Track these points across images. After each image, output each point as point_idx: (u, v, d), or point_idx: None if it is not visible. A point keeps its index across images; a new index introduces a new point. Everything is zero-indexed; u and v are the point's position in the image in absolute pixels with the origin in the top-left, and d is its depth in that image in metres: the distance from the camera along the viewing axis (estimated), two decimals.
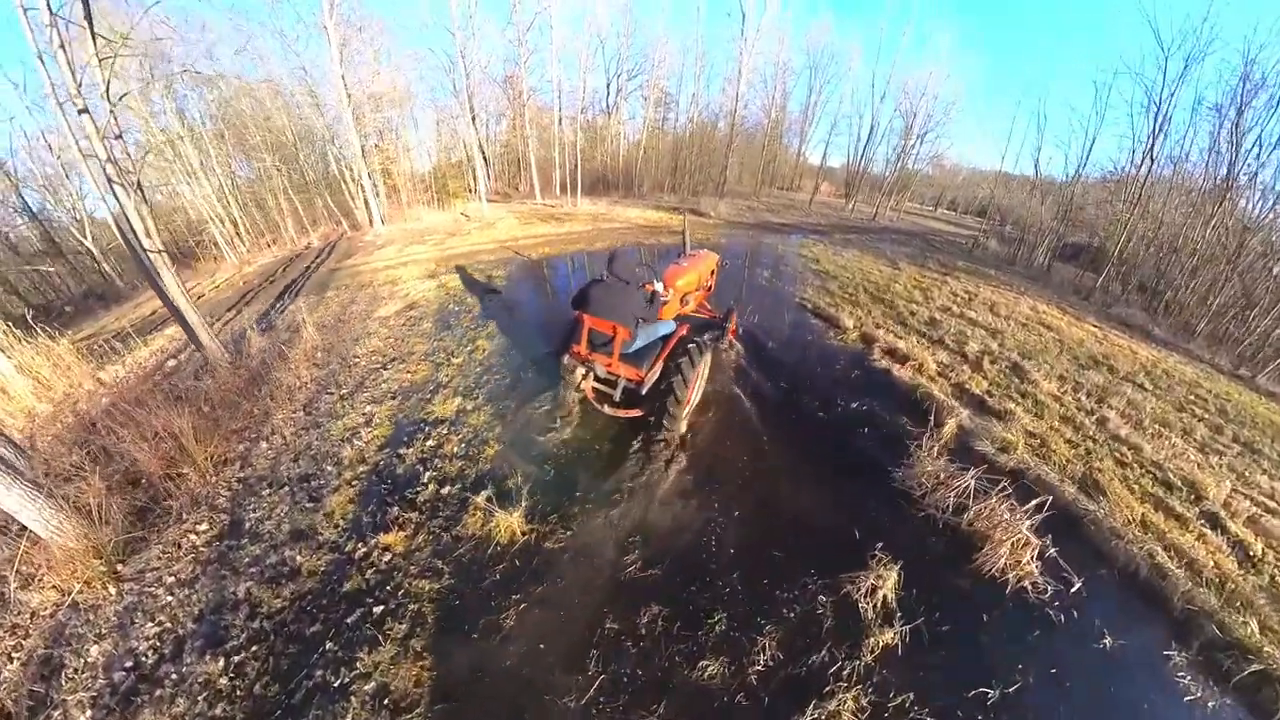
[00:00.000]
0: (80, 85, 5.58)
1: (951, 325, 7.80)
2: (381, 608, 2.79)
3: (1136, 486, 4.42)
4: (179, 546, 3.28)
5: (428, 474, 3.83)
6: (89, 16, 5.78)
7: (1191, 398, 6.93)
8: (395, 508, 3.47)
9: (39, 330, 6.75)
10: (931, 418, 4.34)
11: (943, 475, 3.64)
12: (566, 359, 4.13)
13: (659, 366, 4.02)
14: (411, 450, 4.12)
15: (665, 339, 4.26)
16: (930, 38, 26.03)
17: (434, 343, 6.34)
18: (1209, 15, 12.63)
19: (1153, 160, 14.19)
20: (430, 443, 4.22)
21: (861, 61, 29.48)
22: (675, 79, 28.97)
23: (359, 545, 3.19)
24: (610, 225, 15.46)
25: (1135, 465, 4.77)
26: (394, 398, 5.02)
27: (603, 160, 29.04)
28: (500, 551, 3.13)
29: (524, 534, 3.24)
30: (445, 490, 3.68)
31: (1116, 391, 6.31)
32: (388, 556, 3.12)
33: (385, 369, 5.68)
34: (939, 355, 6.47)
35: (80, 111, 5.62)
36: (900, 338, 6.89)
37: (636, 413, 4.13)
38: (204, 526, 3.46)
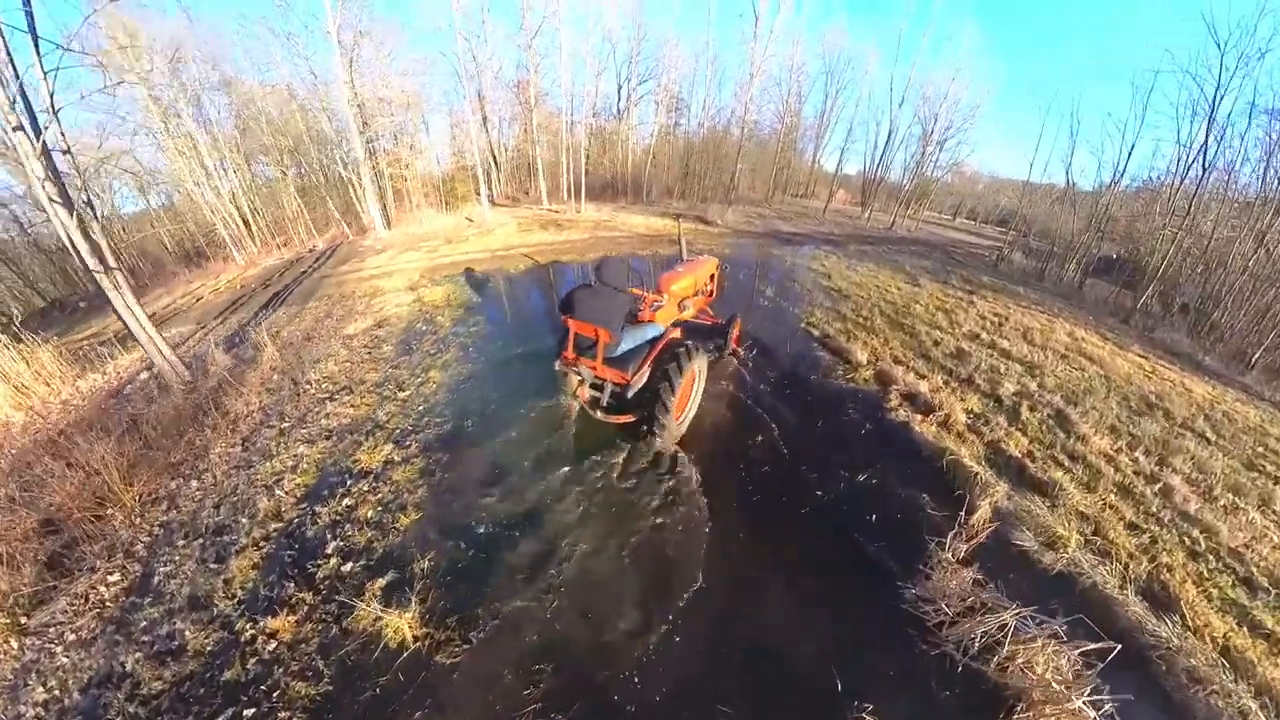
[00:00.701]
0: (15, 101, 5.11)
1: (982, 358, 6.87)
2: (253, 710, 2.44)
3: (1215, 591, 3.52)
4: (86, 600, 3.11)
5: (334, 543, 3.41)
6: (33, 25, 5.32)
7: (1260, 450, 5.92)
8: (292, 584, 3.11)
9: (24, 335, 6.62)
10: (963, 512, 3.43)
11: (970, 600, 2.80)
12: (558, 364, 4.11)
13: (646, 369, 3.93)
14: (326, 509, 3.70)
15: (653, 342, 4.14)
16: (951, 40, 24.26)
17: (388, 370, 5.86)
18: (1265, 7, 11.37)
19: (1204, 168, 12.95)
20: (347, 501, 3.78)
21: (879, 65, 28.30)
22: (687, 83, 28.20)
23: (248, 626, 2.86)
24: (608, 234, 14.74)
25: (1210, 556, 3.86)
26: (329, 437, 4.61)
27: (613, 165, 28.40)
28: (387, 658, 2.65)
29: (416, 639, 2.73)
30: (347, 567, 3.23)
31: (1178, 448, 5.33)
32: (273, 645, 2.77)
33: (332, 399, 5.27)
34: (969, 400, 5.57)
35: (15, 129, 5.13)
36: (923, 376, 6.01)
37: (628, 418, 4.02)
38: (115, 578, 3.28)
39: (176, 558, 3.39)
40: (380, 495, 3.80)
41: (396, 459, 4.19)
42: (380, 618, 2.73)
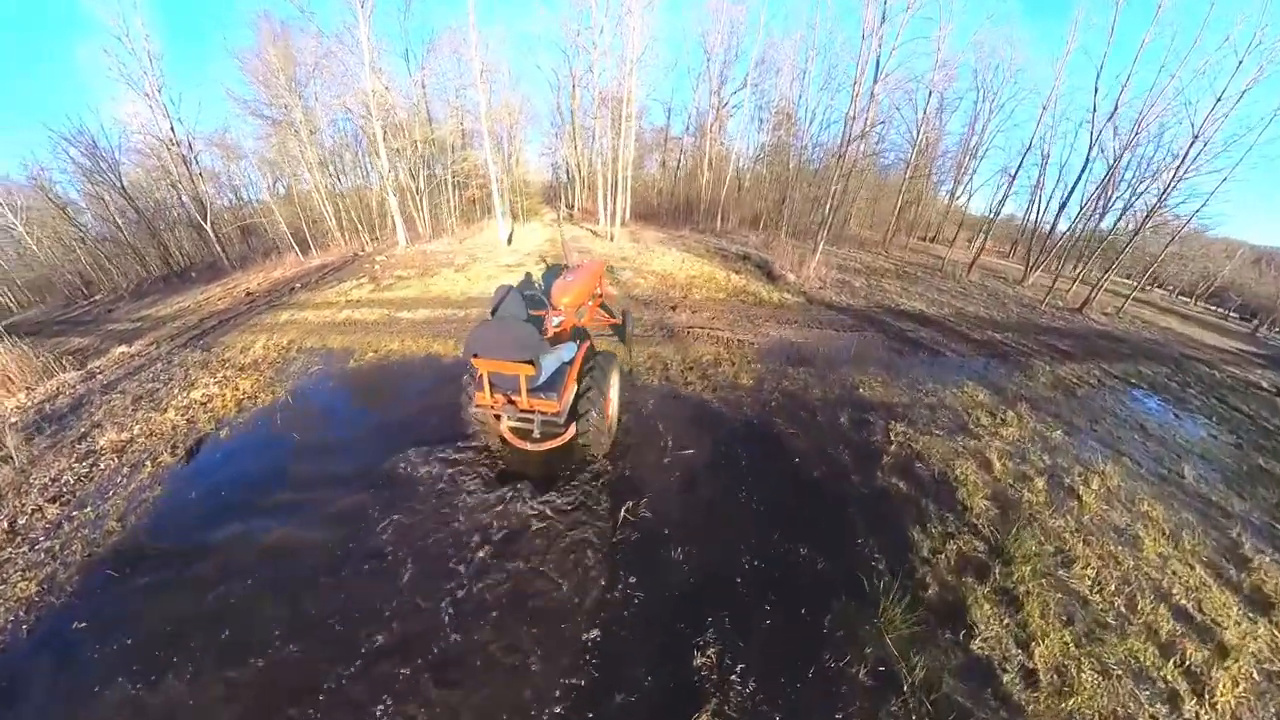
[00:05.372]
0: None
1: None
2: None
3: None
4: None
5: None
6: None
7: None
8: None
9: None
10: None
11: None
12: (475, 410, 3.62)
13: (572, 389, 3.63)
14: None
15: (570, 363, 3.75)
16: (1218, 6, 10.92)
17: None
18: None
19: None
20: None
21: (1077, 54, 17.77)
22: (792, 89, 20.79)
23: None
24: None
25: None
26: None
27: (696, 187, 22.07)
28: None
29: None
30: None
31: None
32: None
33: None
34: None
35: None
36: None
37: (565, 438, 3.65)
38: None
39: None
40: None
41: None
42: None
